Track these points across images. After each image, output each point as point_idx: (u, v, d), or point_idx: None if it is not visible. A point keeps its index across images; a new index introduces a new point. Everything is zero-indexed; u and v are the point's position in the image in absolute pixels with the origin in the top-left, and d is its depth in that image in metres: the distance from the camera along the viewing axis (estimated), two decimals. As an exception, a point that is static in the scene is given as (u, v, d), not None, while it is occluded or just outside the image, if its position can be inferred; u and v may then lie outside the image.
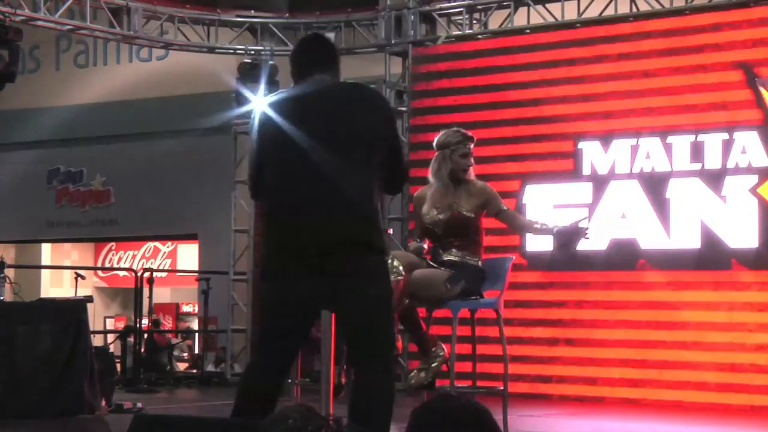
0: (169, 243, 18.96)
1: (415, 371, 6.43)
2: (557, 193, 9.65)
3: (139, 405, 8.13)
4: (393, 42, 11.28)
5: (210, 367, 12.46)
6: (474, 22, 10.96)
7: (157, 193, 15.39)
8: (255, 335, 4.58)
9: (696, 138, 9.11)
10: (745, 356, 8.74)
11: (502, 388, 6.43)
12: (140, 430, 3.73)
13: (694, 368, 8.94)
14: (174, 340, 15.69)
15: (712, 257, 8.97)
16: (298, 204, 4.29)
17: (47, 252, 18.91)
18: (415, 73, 10.77)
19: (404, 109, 11.08)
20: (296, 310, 4.30)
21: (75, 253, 19.80)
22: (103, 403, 7.83)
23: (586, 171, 9.60)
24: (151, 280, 11.50)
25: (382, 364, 4.29)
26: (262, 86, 11.13)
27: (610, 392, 9.28)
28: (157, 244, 19.17)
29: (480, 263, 6.26)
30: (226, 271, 11.94)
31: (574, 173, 9.65)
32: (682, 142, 9.17)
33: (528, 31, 10.35)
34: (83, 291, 13.56)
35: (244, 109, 11.19)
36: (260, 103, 4.46)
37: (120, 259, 19.70)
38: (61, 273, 18.24)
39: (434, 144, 6.41)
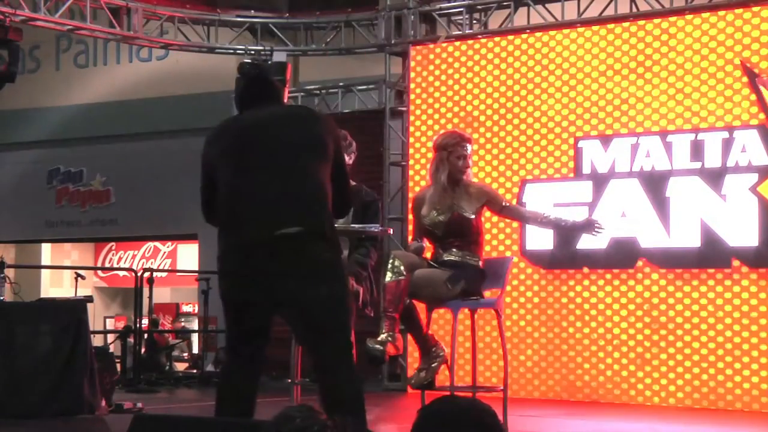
0: (169, 243, 18.96)
1: (415, 371, 6.44)
2: (557, 192, 9.65)
3: (139, 405, 8.12)
4: (393, 42, 11.29)
5: (210, 367, 12.46)
6: (474, 22, 10.96)
7: (157, 193, 15.39)
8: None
9: (696, 137, 9.12)
10: (745, 356, 8.74)
11: (502, 388, 6.42)
12: (140, 430, 3.73)
13: (693, 368, 8.94)
14: (173, 341, 15.70)
15: (712, 256, 8.97)
16: (246, 206, 4.37)
17: (47, 252, 18.91)
18: (415, 73, 10.77)
19: (404, 109, 11.08)
20: (251, 311, 4.39)
21: (75, 253, 19.80)
22: (103, 403, 7.83)
23: (586, 170, 9.60)
24: (151, 280, 11.50)
25: (341, 365, 4.31)
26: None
27: (610, 392, 9.28)
28: (157, 244, 19.17)
29: (480, 263, 6.27)
30: (226, 271, 11.90)
31: (574, 172, 9.65)
32: (682, 141, 9.17)
33: (528, 31, 10.35)
34: (83, 291, 13.55)
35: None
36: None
37: (120, 259, 19.70)
38: (61, 273, 18.24)
39: (432, 146, 6.43)
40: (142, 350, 12.05)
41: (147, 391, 10.28)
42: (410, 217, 8.24)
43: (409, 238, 7.65)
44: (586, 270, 9.51)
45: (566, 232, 6.15)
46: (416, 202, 6.46)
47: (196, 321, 16.65)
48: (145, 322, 12.28)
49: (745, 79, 8.96)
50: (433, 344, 6.34)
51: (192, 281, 13.84)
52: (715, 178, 8.97)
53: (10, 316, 7.69)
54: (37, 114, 16.76)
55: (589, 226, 6.37)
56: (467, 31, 10.84)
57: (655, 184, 9.22)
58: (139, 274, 11.64)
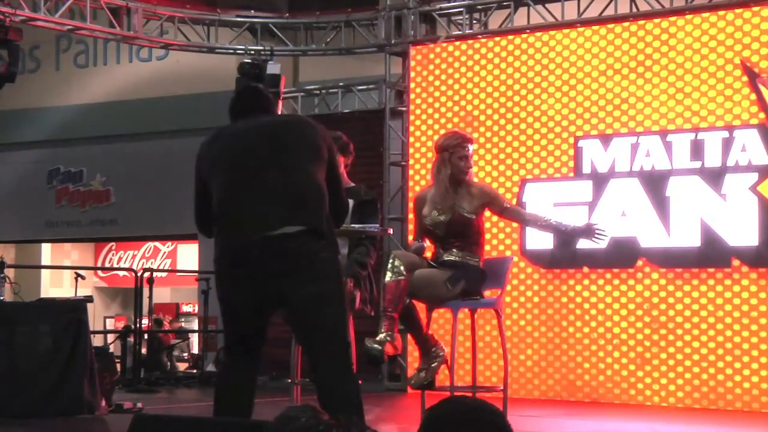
0: (169, 243, 18.96)
1: (415, 371, 6.44)
2: (557, 191, 9.65)
3: (139, 405, 8.12)
4: (393, 42, 11.29)
5: (210, 367, 12.46)
6: (474, 22, 10.96)
7: (157, 193, 15.38)
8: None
9: (696, 136, 9.12)
10: (745, 356, 8.74)
11: (502, 388, 6.42)
12: (140, 430, 3.73)
13: (694, 367, 8.94)
14: (173, 341, 15.71)
15: (712, 255, 8.97)
16: (243, 205, 4.38)
17: (47, 252, 18.91)
18: (415, 73, 10.77)
19: (404, 109, 11.08)
20: (249, 310, 4.40)
21: (75, 253, 19.80)
22: (103, 403, 7.83)
23: (586, 169, 9.60)
24: (151, 280, 11.50)
25: (336, 363, 4.31)
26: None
27: (611, 392, 9.28)
28: (157, 244, 19.17)
29: (480, 263, 6.27)
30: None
31: (574, 171, 9.65)
32: (682, 141, 9.17)
33: (528, 31, 10.35)
34: (83, 291, 13.56)
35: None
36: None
37: (120, 259, 19.71)
38: (61, 273, 18.25)
39: (434, 147, 6.43)
40: (143, 350, 12.05)
41: (147, 391, 10.29)
42: (411, 216, 8.24)
43: (410, 237, 7.66)
44: (586, 270, 9.51)
45: (566, 237, 6.12)
46: (417, 201, 6.46)
47: (196, 321, 16.66)
48: (145, 322, 12.28)
49: (745, 79, 8.96)
50: (433, 344, 6.34)
51: (192, 281, 13.85)
52: (715, 177, 8.97)
53: (10, 316, 7.70)
54: (37, 114, 16.76)
55: (589, 231, 6.32)
56: (467, 31, 10.84)
57: (655, 183, 9.22)
58: (139, 274, 11.64)
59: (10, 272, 9.24)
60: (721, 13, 9.19)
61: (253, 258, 4.30)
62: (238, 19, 12.11)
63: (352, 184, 6.43)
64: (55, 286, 18.17)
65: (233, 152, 4.49)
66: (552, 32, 10.06)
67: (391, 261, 6.06)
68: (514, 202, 9.51)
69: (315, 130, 4.59)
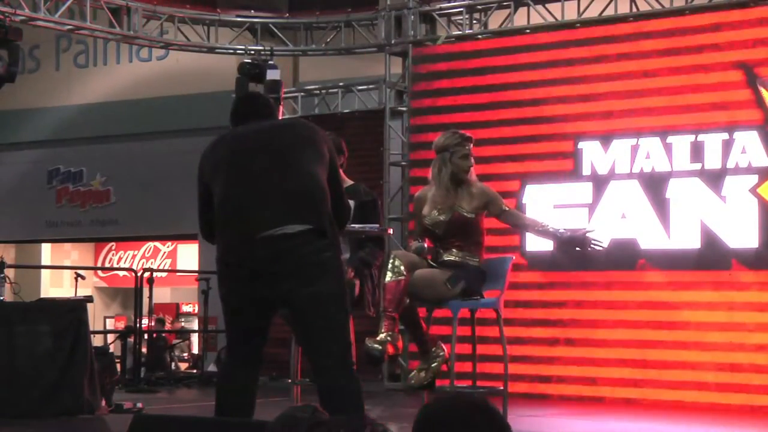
0: (169, 243, 18.95)
1: (415, 371, 6.44)
2: (557, 193, 9.65)
3: (139, 405, 8.12)
4: (393, 42, 11.29)
5: (210, 367, 12.46)
6: (474, 22, 10.96)
7: (157, 193, 15.39)
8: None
9: (696, 138, 9.11)
10: (745, 356, 8.74)
11: (502, 388, 6.43)
12: (140, 430, 3.73)
13: (694, 368, 8.95)
14: (174, 341, 15.71)
15: (712, 257, 8.97)
16: (245, 205, 4.39)
17: (47, 252, 18.90)
18: (415, 73, 10.77)
19: (404, 109, 11.08)
20: (251, 310, 4.40)
21: (75, 253, 19.79)
22: (103, 403, 7.83)
23: (586, 171, 9.60)
24: (151, 280, 11.49)
25: (337, 363, 4.31)
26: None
27: (610, 392, 9.28)
28: (157, 244, 19.16)
29: (480, 263, 6.26)
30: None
31: (574, 173, 9.65)
32: (682, 142, 9.17)
33: (528, 31, 10.35)
34: (83, 291, 13.55)
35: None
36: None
37: (120, 259, 19.70)
38: (61, 273, 18.24)
39: (433, 147, 6.41)
40: (143, 350, 12.05)
41: (147, 391, 10.28)
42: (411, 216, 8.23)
43: (410, 238, 7.66)
44: (586, 271, 9.50)
45: (562, 245, 6.10)
46: (417, 202, 6.45)
47: (196, 321, 16.66)
48: (145, 321, 12.28)
49: (745, 80, 8.96)
50: (433, 344, 6.34)
51: (192, 281, 13.85)
52: (715, 179, 8.97)
53: (10, 316, 7.69)
54: (37, 114, 16.76)
55: (585, 242, 6.25)
56: (467, 31, 10.85)
57: (655, 185, 9.21)
58: (139, 274, 11.64)
59: (10, 272, 9.24)
60: (721, 13, 9.18)
61: (255, 257, 4.30)
62: (238, 19, 12.11)
63: (351, 182, 6.42)
64: (55, 286, 18.16)
65: (235, 154, 4.50)
66: (552, 32, 10.06)
67: (391, 261, 6.06)
68: (514, 203, 9.51)
69: (316, 132, 4.60)
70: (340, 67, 13.06)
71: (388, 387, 10.51)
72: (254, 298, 4.38)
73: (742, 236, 8.83)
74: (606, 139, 9.53)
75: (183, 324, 18.67)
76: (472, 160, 6.34)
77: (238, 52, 12.11)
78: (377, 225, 6.34)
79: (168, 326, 17.09)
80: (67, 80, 16.79)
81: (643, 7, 9.89)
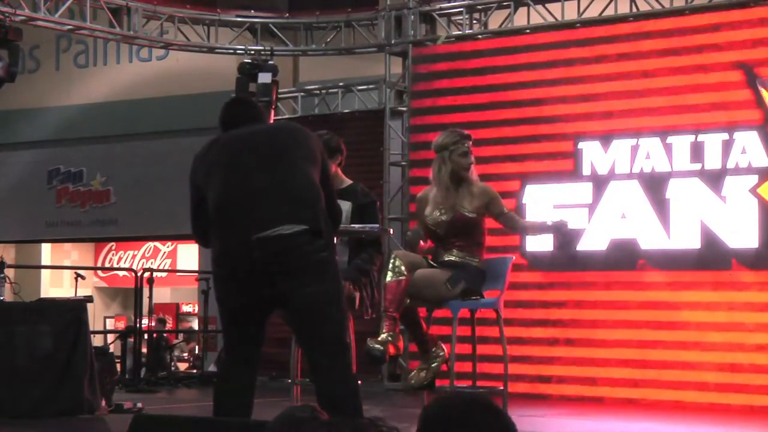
0: (169, 243, 18.95)
1: (415, 371, 6.44)
2: (557, 193, 9.65)
3: (139, 405, 8.12)
4: (393, 42, 11.29)
5: (210, 367, 12.46)
6: (474, 22, 10.96)
7: (157, 193, 15.38)
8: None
9: (696, 138, 9.11)
10: (745, 356, 8.74)
11: (502, 388, 6.43)
12: (140, 430, 3.73)
13: (694, 368, 8.94)
14: (174, 341, 15.71)
15: (712, 257, 8.97)
16: (240, 206, 4.39)
17: (47, 252, 18.90)
18: (415, 73, 10.77)
19: (404, 109, 11.08)
20: (247, 311, 4.40)
21: (75, 253, 19.79)
22: (103, 403, 7.83)
23: (586, 171, 9.60)
24: (151, 280, 11.50)
25: (335, 363, 4.32)
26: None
27: (610, 392, 9.28)
28: (157, 244, 19.16)
29: (480, 264, 6.26)
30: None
31: (574, 173, 9.65)
32: (682, 143, 9.17)
33: (528, 31, 10.35)
34: (83, 291, 13.55)
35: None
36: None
37: (120, 259, 19.70)
38: (61, 273, 18.24)
39: (432, 147, 6.41)
40: (143, 350, 12.05)
41: (147, 391, 10.28)
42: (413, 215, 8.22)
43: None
44: (586, 271, 9.50)
45: (543, 232, 6.29)
46: (420, 202, 6.45)
47: (196, 321, 16.66)
48: (145, 321, 12.28)
49: (745, 80, 8.96)
50: (433, 344, 6.35)
51: (192, 281, 13.86)
52: (715, 179, 8.97)
53: (10, 316, 7.69)
54: (37, 114, 16.76)
55: (559, 227, 6.31)
56: (467, 31, 10.85)
57: (655, 185, 9.21)
58: (139, 274, 11.64)
59: (10, 272, 9.24)
60: (721, 13, 9.18)
61: (251, 259, 4.31)
62: (238, 19, 12.11)
63: (349, 182, 6.41)
64: (55, 286, 18.16)
65: (228, 156, 4.50)
66: (552, 32, 10.06)
67: (391, 261, 6.06)
68: (514, 203, 9.52)
69: (308, 135, 4.63)
70: (340, 67, 13.06)
71: (388, 387, 10.51)
72: (251, 299, 4.39)
73: (742, 236, 8.83)
74: (606, 139, 9.53)
75: (191, 324, 18.65)
76: (472, 158, 6.34)
77: (238, 52, 12.11)
78: (377, 225, 6.33)
79: (170, 326, 17.10)
80: (67, 80, 16.79)
81: (643, 7, 9.89)
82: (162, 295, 17.85)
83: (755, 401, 8.70)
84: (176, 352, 15.47)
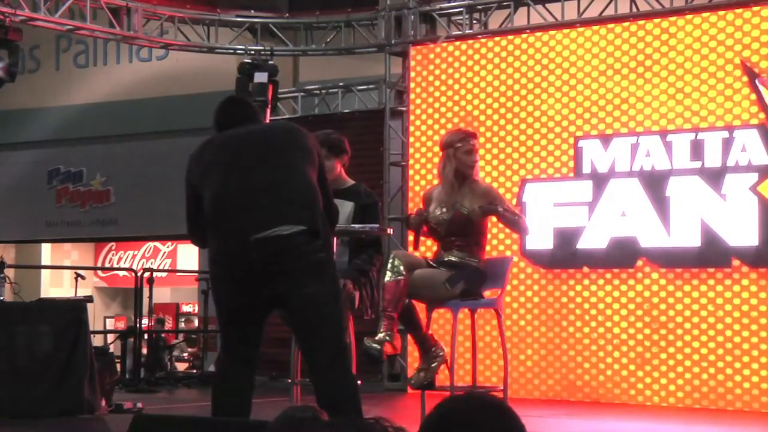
0: (169, 243, 18.95)
1: (415, 371, 6.43)
2: (557, 191, 9.65)
3: (139, 405, 8.12)
4: (393, 42, 11.29)
5: (210, 368, 12.46)
6: (474, 22, 10.96)
7: (157, 193, 15.37)
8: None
9: (696, 136, 9.11)
10: (745, 356, 8.74)
11: (502, 388, 6.42)
12: (140, 430, 3.73)
13: (694, 368, 8.94)
14: (174, 341, 15.71)
15: (712, 255, 8.96)
16: (238, 206, 4.38)
17: (47, 252, 18.90)
18: (415, 73, 10.77)
19: (404, 109, 11.08)
20: (245, 311, 4.40)
21: (75, 253, 19.79)
22: (103, 403, 7.83)
23: (586, 169, 9.60)
24: (151, 280, 11.50)
25: (334, 363, 4.32)
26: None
27: (611, 392, 9.28)
28: (157, 244, 19.16)
29: (480, 264, 6.26)
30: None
31: (574, 172, 9.65)
32: (682, 141, 9.17)
33: (528, 31, 10.34)
34: (83, 291, 13.55)
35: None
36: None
37: (120, 259, 19.70)
38: (61, 273, 18.24)
39: (439, 145, 6.43)
40: (143, 350, 12.05)
41: (147, 391, 10.29)
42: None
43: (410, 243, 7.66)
44: (586, 269, 9.51)
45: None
46: (425, 200, 6.45)
47: (196, 321, 16.66)
48: (145, 322, 12.28)
49: (745, 79, 8.96)
50: (432, 344, 6.34)
51: (192, 281, 13.86)
52: (715, 177, 8.97)
53: (10, 316, 7.70)
54: (37, 114, 16.75)
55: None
56: (467, 31, 10.84)
57: (655, 183, 9.21)
58: (139, 274, 11.64)
59: (10, 272, 9.25)
60: (721, 13, 9.18)
61: (249, 259, 4.30)
62: (238, 19, 12.11)
63: (352, 182, 6.40)
64: (55, 286, 18.16)
65: (225, 156, 4.49)
66: (552, 32, 10.05)
67: (391, 261, 6.06)
68: (514, 202, 9.52)
69: (305, 135, 4.62)
70: (340, 67, 13.06)
71: (388, 387, 10.51)
72: (249, 300, 4.38)
73: (742, 234, 8.83)
74: (606, 137, 9.53)
75: (194, 324, 18.64)
76: (477, 156, 6.35)
77: (238, 52, 12.11)
78: (377, 225, 6.31)
79: (169, 326, 17.10)
80: (67, 80, 16.78)
81: (643, 7, 9.89)
82: (162, 295, 17.85)
83: (755, 401, 8.70)
84: (176, 352, 15.47)
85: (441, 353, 6.31)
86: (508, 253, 9.47)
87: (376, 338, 5.95)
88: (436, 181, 6.63)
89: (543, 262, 9.70)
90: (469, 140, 6.32)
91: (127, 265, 18.88)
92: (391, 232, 8.60)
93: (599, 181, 9.49)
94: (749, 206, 8.83)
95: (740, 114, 8.96)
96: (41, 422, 7.24)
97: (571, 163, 9.68)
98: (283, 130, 4.71)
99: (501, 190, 9.20)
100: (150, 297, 11.63)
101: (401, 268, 6.01)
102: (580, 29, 9.89)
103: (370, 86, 11.95)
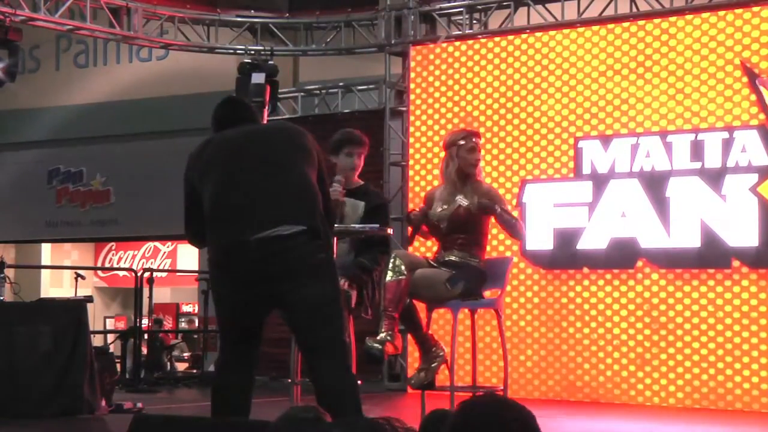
0: (169, 243, 18.95)
1: (415, 371, 6.44)
2: (557, 192, 9.65)
3: (139, 405, 8.12)
4: (393, 42, 11.29)
5: (210, 367, 12.46)
6: (474, 22, 10.96)
7: (157, 193, 15.37)
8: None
9: (696, 137, 9.11)
10: (745, 356, 8.74)
11: (502, 388, 6.42)
12: (140, 430, 3.73)
13: (694, 368, 8.94)
14: (174, 341, 15.72)
15: (712, 256, 8.97)
16: (237, 206, 4.37)
17: (47, 252, 18.90)
18: (415, 73, 10.77)
19: (404, 109, 11.08)
20: (245, 311, 4.40)
21: (75, 253, 19.79)
22: (103, 403, 7.83)
23: (586, 170, 9.60)
24: (151, 280, 11.50)
25: (334, 363, 4.32)
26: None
27: (611, 392, 9.28)
28: (157, 244, 19.16)
29: (481, 264, 6.26)
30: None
31: (574, 172, 9.65)
32: (682, 141, 9.17)
33: (528, 31, 10.34)
34: (83, 291, 13.56)
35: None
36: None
37: (120, 259, 19.70)
38: (61, 273, 18.24)
39: (442, 145, 6.42)
40: (143, 350, 12.04)
41: (147, 391, 10.28)
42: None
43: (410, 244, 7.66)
44: (586, 270, 9.51)
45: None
46: (427, 200, 6.45)
47: (196, 321, 16.66)
48: (145, 322, 12.28)
49: (745, 79, 8.96)
50: (433, 344, 6.34)
51: (192, 281, 13.86)
52: (715, 178, 8.97)
53: (10, 316, 7.70)
54: (37, 114, 16.76)
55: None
56: (467, 31, 10.84)
57: (655, 184, 9.22)
58: (139, 274, 11.64)
59: (10, 272, 9.24)
60: (721, 13, 9.18)
61: (249, 259, 4.30)
62: (238, 19, 12.11)
63: (360, 182, 6.41)
64: (55, 286, 18.16)
65: (224, 156, 4.48)
66: (552, 32, 10.06)
67: (392, 260, 6.06)
68: (513, 202, 9.52)
69: (304, 135, 4.61)
70: (340, 67, 13.06)
71: (388, 387, 10.51)
72: (248, 300, 4.38)
73: (742, 235, 8.83)
74: (606, 138, 9.53)
75: (184, 324, 18.65)
76: (479, 155, 6.34)
77: (238, 52, 12.11)
78: (377, 225, 6.31)
79: (166, 326, 17.09)
80: (67, 80, 16.79)
81: (643, 7, 9.89)
82: (162, 295, 17.86)
83: (755, 401, 8.70)
84: (176, 352, 15.47)
85: (441, 353, 6.31)
86: (508, 254, 9.47)
87: (378, 338, 5.95)
88: (437, 182, 6.62)
89: (543, 263, 9.70)
90: (471, 138, 6.33)
91: (127, 265, 18.89)
92: (391, 232, 8.60)
93: (599, 181, 9.49)
94: (749, 207, 8.83)
95: (740, 115, 8.96)
96: (41, 422, 7.24)
97: (571, 164, 9.68)
98: (282, 131, 4.70)
99: (501, 191, 9.23)
100: (150, 297, 11.63)
101: (402, 267, 6.01)
102: (580, 29, 9.89)
103: (370, 86, 11.95)
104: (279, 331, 6.21)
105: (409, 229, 6.57)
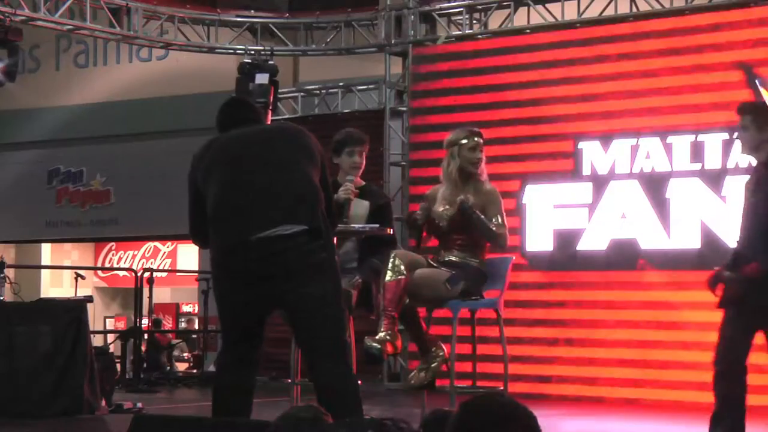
0: (169, 243, 18.94)
1: (415, 371, 6.43)
2: (557, 193, 9.65)
3: (139, 405, 8.12)
4: (393, 42, 11.29)
5: (210, 367, 12.46)
6: (474, 22, 10.96)
7: (157, 193, 15.38)
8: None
9: (696, 138, 9.11)
10: (745, 356, 8.73)
11: (502, 388, 6.42)
12: (140, 430, 3.73)
13: (694, 368, 8.93)
14: (174, 341, 15.71)
15: (712, 257, 8.93)
16: (240, 205, 4.38)
17: (47, 252, 18.90)
18: (415, 73, 10.77)
19: (404, 109, 11.08)
20: (246, 311, 4.40)
21: (75, 253, 19.79)
22: (103, 403, 7.83)
23: (586, 171, 9.60)
24: (151, 280, 11.50)
25: (335, 363, 4.32)
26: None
27: (610, 392, 9.28)
28: (157, 244, 19.16)
29: (481, 264, 6.25)
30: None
31: (574, 173, 9.65)
32: (682, 142, 9.17)
33: (528, 31, 10.35)
34: (83, 291, 13.55)
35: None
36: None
37: (120, 259, 19.69)
38: (61, 273, 18.23)
39: (444, 144, 6.40)
40: (143, 350, 12.04)
41: (147, 391, 10.28)
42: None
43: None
44: (586, 271, 9.50)
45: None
46: (429, 200, 6.42)
47: (196, 321, 16.66)
48: (145, 322, 12.28)
49: (745, 80, 8.95)
50: (433, 344, 6.34)
51: (192, 281, 13.85)
52: (715, 179, 8.97)
53: (10, 316, 7.70)
54: (37, 114, 16.76)
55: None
56: (467, 31, 10.85)
57: (655, 185, 9.21)
58: (139, 274, 11.64)
59: (10, 272, 9.24)
60: (721, 13, 9.18)
61: (251, 259, 4.30)
62: (238, 19, 12.11)
63: (363, 182, 6.41)
64: (55, 286, 18.16)
65: (228, 156, 4.50)
66: (552, 32, 10.05)
67: (391, 260, 6.05)
68: (514, 203, 9.51)
69: (307, 136, 4.62)
70: (340, 67, 13.06)
71: (388, 387, 10.50)
72: (250, 299, 4.39)
73: (742, 236, 8.82)
74: (606, 139, 9.53)
75: (184, 324, 18.64)
76: (481, 154, 6.32)
77: (238, 52, 12.11)
78: (377, 225, 6.31)
79: (165, 326, 17.08)
80: (67, 80, 16.79)
81: (643, 7, 9.89)
82: (162, 295, 17.85)
83: (755, 401, 8.68)
84: (176, 352, 15.46)
85: (441, 353, 6.31)
86: (508, 254, 9.45)
87: (377, 338, 5.95)
88: (438, 183, 6.60)
89: (543, 263, 9.69)
90: (473, 137, 6.31)
91: (127, 265, 18.88)
92: (391, 233, 8.60)
93: (599, 182, 9.49)
94: (749, 207, 8.81)
95: (740, 115, 8.94)
96: (41, 422, 7.24)
97: (571, 165, 9.67)
98: (285, 131, 4.71)
99: (501, 191, 9.22)
100: (150, 297, 11.63)
101: (402, 267, 6.01)
102: (580, 29, 9.88)
103: (370, 86, 11.95)
104: (279, 331, 6.22)
105: (412, 241, 6.55)
